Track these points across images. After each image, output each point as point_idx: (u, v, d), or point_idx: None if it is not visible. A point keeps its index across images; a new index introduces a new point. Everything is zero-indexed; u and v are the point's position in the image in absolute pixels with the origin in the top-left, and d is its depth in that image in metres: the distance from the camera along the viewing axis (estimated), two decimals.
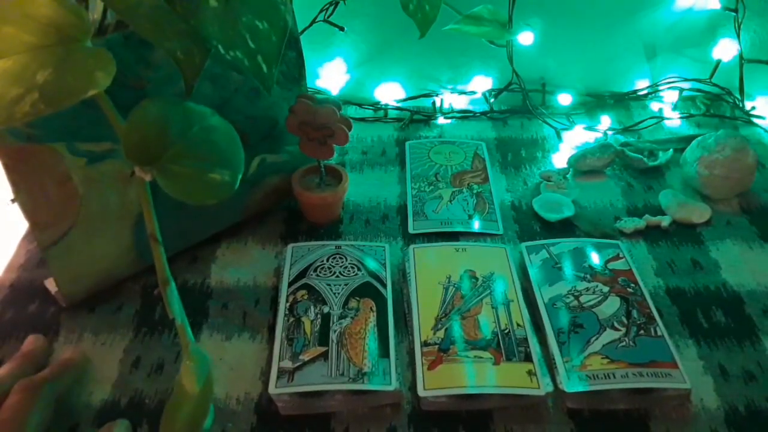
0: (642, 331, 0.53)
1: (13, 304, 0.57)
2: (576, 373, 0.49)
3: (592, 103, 0.87)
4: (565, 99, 0.86)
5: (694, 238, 0.65)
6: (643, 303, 0.55)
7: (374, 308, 0.55)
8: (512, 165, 0.76)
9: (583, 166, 0.74)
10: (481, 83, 0.88)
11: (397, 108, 0.86)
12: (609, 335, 0.52)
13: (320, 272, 0.58)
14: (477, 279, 0.58)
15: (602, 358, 0.50)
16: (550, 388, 0.50)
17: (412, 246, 0.61)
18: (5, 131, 0.45)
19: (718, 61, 0.85)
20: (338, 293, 0.56)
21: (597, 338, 0.52)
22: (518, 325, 0.54)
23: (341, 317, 0.54)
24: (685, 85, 0.87)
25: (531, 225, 0.67)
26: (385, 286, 0.57)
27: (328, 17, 0.78)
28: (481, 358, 0.51)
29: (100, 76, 0.35)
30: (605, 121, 0.83)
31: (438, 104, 0.86)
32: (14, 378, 0.46)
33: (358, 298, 0.56)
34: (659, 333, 0.53)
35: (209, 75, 0.54)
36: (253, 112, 0.59)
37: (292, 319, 0.54)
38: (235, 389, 0.51)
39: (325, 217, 0.67)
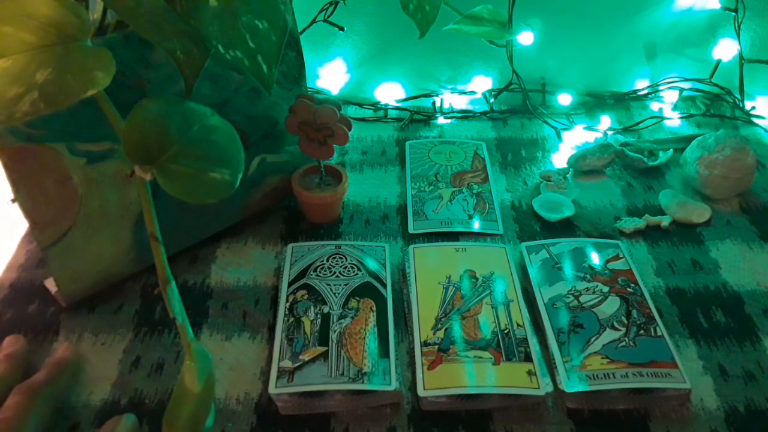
0: (642, 331, 0.53)
1: (13, 304, 0.57)
2: (576, 373, 0.49)
3: (592, 103, 0.87)
4: (565, 99, 0.86)
5: (694, 238, 0.65)
6: (643, 303, 0.55)
7: (374, 308, 0.55)
8: (512, 165, 0.76)
9: (583, 166, 0.74)
10: (481, 83, 0.88)
11: (397, 108, 0.86)
12: (609, 335, 0.52)
13: (320, 272, 0.58)
14: (477, 279, 0.58)
15: (602, 358, 0.50)
16: (550, 388, 0.50)
17: (412, 246, 0.61)
18: (5, 131, 0.45)
19: (718, 61, 0.85)
20: (338, 293, 0.56)
21: (597, 338, 0.52)
22: (518, 325, 0.54)
23: (341, 317, 0.54)
24: (685, 85, 0.87)
25: (531, 225, 0.67)
26: (385, 286, 0.57)
27: (328, 17, 0.78)
28: (481, 358, 0.51)
29: (100, 76, 0.35)
30: (605, 121, 0.83)
31: (438, 104, 0.86)
32: None
33: (358, 298, 0.56)
34: (659, 333, 0.53)
35: (209, 75, 0.54)
36: (253, 112, 0.59)
37: (292, 319, 0.54)
38: (235, 389, 0.51)
39: (325, 217, 0.67)
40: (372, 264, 0.59)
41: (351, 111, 0.86)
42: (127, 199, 0.53)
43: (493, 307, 0.55)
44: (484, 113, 0.86)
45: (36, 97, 0.34)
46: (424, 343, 0.52)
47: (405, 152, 0.77)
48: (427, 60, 0.86)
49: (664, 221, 0.66)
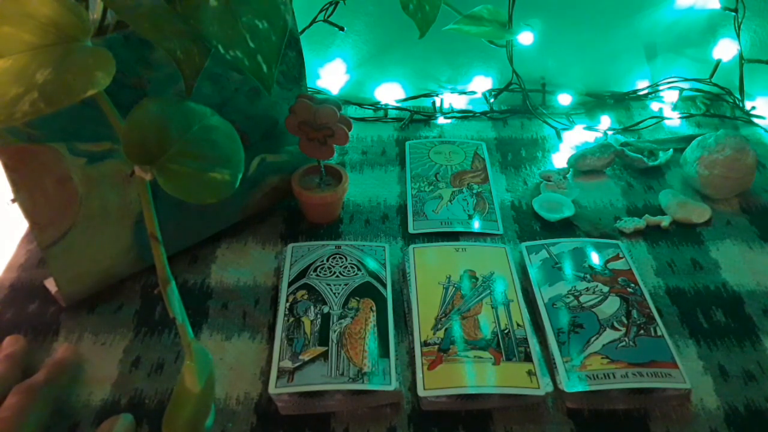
0: (642, 331, 0.53)
1: (13, 304, 0.57)
2: (576, 373, 0.49)
3: (592, 103, 0.87)
4: (565, 99, 0.86)
5: (694, 238, 0.65)
6: (643, 303, 0.55)
7: (374, 308, 0.55)
8: (512, 165, 0.76)
9: (583, 166, 0.74)
10: (481, 83, 0.88)
11: (397, 108, 0.86)
12: (609, 335, 0.52)
13: (320, 272, 0.58)
14: (477, 279, 0.58)
15: (602, 358, 0.50)
16: (550, 388, 0.50)
17: (412, 246, 0.61)
18: (5, 131, 0.45)
19: (718, 61, 0.85)
20: (338, 293, 0.56)
21: (597, 338, 0.52)
22: (518, 325, 0.54)
23: (341, 317, 0.54)
24: (685, 85, 0.87)
25: (531, 225, 0.67)
26: (385, 286, 0.57)
27: (328, 17, 0.78)
28: (481, 358, 0.51)
29: (100, 76, 0.35)
30: (605, 121, 0.83)
31: (438, 104, 0.86)
32: None
33: (358, 298, 0.56)
34: (659, 333, 0.53)
35: (209, 75, 0.54)
36: (253, 112, 0.59)
37: (292, 319, 0.54)
38: (235, 389, 0.51)
39: (325, 217, 0.67)
40: (372, 264, 0.59)
41: (351, 111, 0.86)
42: (127, 199, 0.53)
43: (493, 307, 0.55)
44: (484, 113, 0.86)
45: (36, 97, 0.34)
46: (424, 343, 0.52)
47: (405, 152, 0.77)
48: (427, 60, 0.86)
49: (664, 221, 0.66)
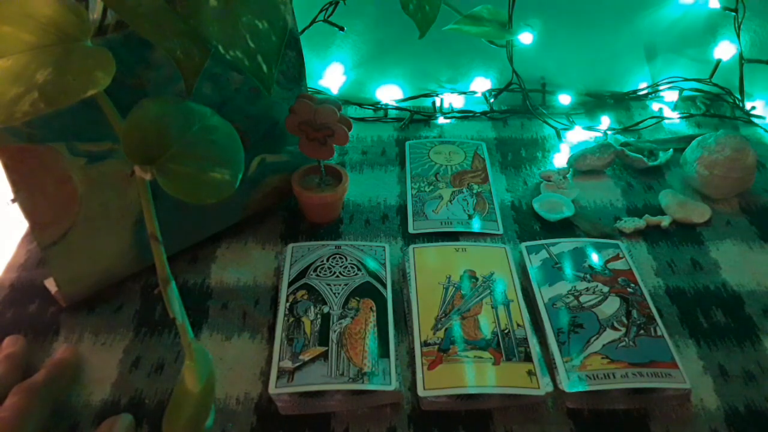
0: (642, 331, 0.53)
1: (13, 304, 0.57)
2: (576, 373, 0.49)
3: (592, 103, 0.87)
4: (565, 99, 0.86)
5: (694, 238, 0.65)
6: (643, 303, 0.55)
7: (374, 308, 0.55)
8: (512, 165, 0.76)
9: (583, 166, 0.74)
10: (481, 83, 0.88)
11: (397, 108, 0.86)
12: (609, 335, 0.52)
13: (320, 272, 0.58)
14: (477, 279, 0.58)
15: (602, 358, 0.50)
16: (550, 388, 0.50)
17: (412, 246, 0.61)
18: (5, 131, 0.45)
19: (718, 61, 0.85)
20: (338, 293, 0.56)
21: (597, 338, 0.52)
22: (518, 325, 0.54)
23: (341, 317, 0.54)
24: (685, 85, 0.87)
25: (531, 225, 0.67)
26: (385, 286, 0.57)
27: (328, 17, 0.78)
28: (481, 358, 0.51)
29: (100, 76, 0.35)
30: (605, 121, 0.83)
31: (438, 104, 0.86)
32: None
33: (358, 298, 0.56)
34: (659, 333, 0.53)
35: (209, 75, 0.54)
36: (253, 112, 0.59)
37: (292, 319, 0.54)
38: (235, 389, 0.51)
39: (325, 217, 0.67)
40: (372, 264, 0.59)
41: (351, 111, 0.86)
42: (127, 199, 0.53)
43: (493, 307, 0.55)
44: (484, 113, 0.86)
45: (36, 97, 0.34)
46: (424, 343, 0.52)
47: (405, 152, 0.77)
48: (427, 60, 0.86)
49: (664, 221, 0.66)
